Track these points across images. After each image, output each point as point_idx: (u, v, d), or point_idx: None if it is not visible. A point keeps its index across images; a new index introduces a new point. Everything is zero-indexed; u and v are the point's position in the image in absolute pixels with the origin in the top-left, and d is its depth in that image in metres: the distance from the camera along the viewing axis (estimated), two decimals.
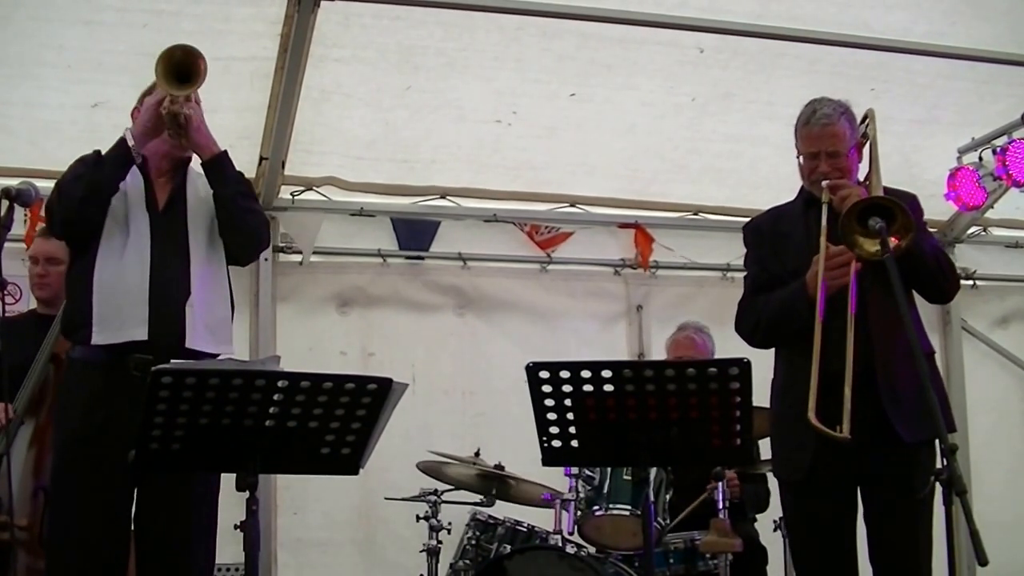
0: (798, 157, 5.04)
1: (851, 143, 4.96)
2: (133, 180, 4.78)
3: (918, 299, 4.95)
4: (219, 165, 4.81)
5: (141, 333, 4.56)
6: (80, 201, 4.64)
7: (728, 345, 5.28)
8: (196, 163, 4.94)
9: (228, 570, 6.59)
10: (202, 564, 4.73)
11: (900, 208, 4.40)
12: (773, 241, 5.16)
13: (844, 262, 4.67)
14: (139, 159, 4.73)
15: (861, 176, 5.04)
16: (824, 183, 4.87)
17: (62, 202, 4.70)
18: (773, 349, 5.14)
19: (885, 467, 4.73)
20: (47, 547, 4.86)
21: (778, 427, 5.07)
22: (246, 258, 5.13)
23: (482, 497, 6.54)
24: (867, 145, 5.10)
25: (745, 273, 5.34)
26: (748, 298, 5.19)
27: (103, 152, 4.74)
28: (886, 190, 4.88)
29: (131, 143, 4.68)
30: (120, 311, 4.58)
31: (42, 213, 6.85)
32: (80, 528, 4.52)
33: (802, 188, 5.14)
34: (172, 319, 4.60)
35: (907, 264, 4.45)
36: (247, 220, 4.89)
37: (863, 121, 5.13)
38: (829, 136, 4.92)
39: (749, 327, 5.14)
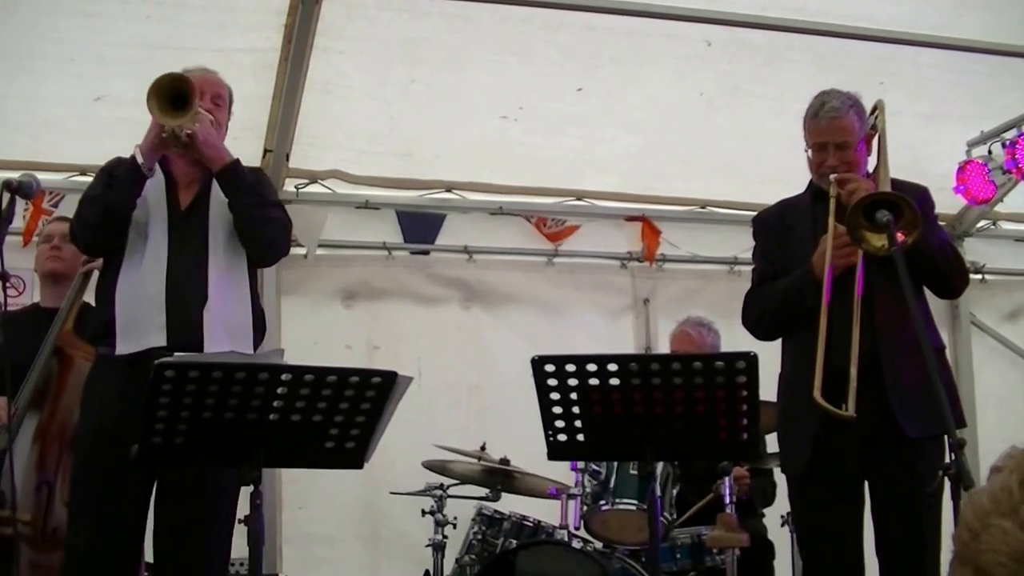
0: (806, 150, 5.02)
1: (860, 136, 4.94)
2: (154, 182, 4.79)
3: (928, 293, 4.92)
4: (230, 176, 4.79)
5: (160, 339, 4.57)
6: (97, 226, 4.72)
7: (735, 339, 5.27)
8: None
9: (233, 564, 6.54)
10: (218, 558, 4.74)
11: (907, 203, 4.38)
12: (780, 234, 5.15)
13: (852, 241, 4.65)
14: (152, 173, 4.72)
15: (871, 168, 5.01)
16: (832, 177, 4.86)
17: (81, 226, 4.80)
18: (780, 344, 5.13)
19: (890, 462, 4.72)
20: (67, 539, 4.85)
21: (783, 421, 5.05)
22: (266, 264, 5.18)
23: (488, 491, 6.52)
24: (876, 137, 5.08)
25: (752, 266, 5.33)
26: (754, 289, 5.18)
27: (117, 168, 4.78)
28: (895, 183, 4.87)
29: (140, 160, 4.68)
30: (139, 320, 4.61)
31: (44, 206, 6.90)
32: (96, 520, 4.56)
33: (811, 182, 5.12)
34: (189, 325, 4.60)
35: (914, 259, 4.43)
36: (265, 229, 4.88)
37: (872, 113, 5.11)
38: (837, 129, 4.90)
39: (754, 317, 5.14)
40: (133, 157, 4.70)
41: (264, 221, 4.86)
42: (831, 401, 4.54)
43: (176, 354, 4.17)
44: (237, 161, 4.84)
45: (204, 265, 4.72)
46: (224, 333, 4.66)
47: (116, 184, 4.72)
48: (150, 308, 4.60)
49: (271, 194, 5.09)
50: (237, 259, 4.82)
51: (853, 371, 4.55)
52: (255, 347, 4.82)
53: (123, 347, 4.60)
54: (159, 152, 4.74)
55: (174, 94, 4.57)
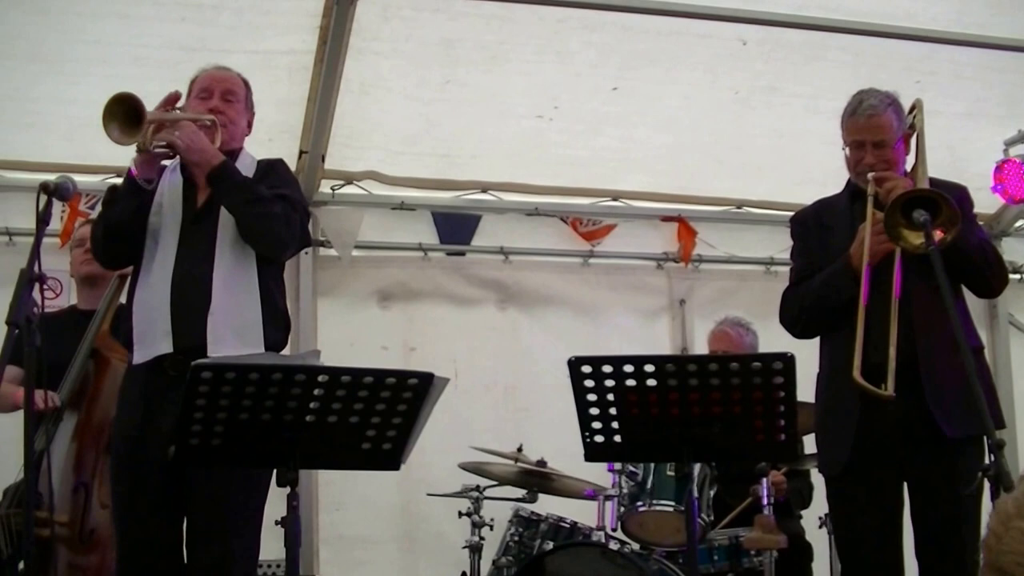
0: (844, 148, 4.99)
1: (898, 134, 4.91)
2: (172, 185, 4.83)
3: (967, 293, 4.89)
4: (217, 179, 4.74)
5: (167, 346, 4.60)
6: (103, 239, 4.83)
7: (772, 340, 5.24)
8: (245, 147, 5.01)
9: (270, 566, 6.58)
10: (246, 558, 4.73)
11: (945, 201, 4.35)
12: (818, 233, 5.12)
13: None
14: (151, 186, 4.75)
15: (908, 167, 4.98)
16: (870, 175, 4.82)
17: (94, 241, 4.93)
18: (817, 345, 5.10)
19: (929, 463, 4.68)
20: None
21: (822, 421, 5.02)
22: (275, 259, 4.99)
23: (525, 493, 6.50)
24: (914, 136, 5.05)
25: (790, 266, 5.30)
26: (792, 289, 5.15)
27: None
28: (933, 181, 4.83)
29: (135, 173, 4.72)
30: (149, 329, 4.64)
31: (80, 208, 6.94)
32: (131, 522, 4.63)
33: (849, 180, 5.09)
34: (194, 329, 4.60)
35: (952, 258, 4.40)
36: (263, 226, 4.77)
37: (911, 111, 5.07)
38: (875, 127, 4.87)
39: (792, 315, 5.11)
40: (129, 171, 4.75)
41: (259, 218, 4.75)
42: (869, 403, 4.52)
43: (211, 355, 4.19)
44: (224, 162, 4.76)
45: (210, 270, 4.70)
46: (230, 334, 4.64)
47: (117, 198, 4.78)
48: (157, 316, 4.63)
49: (277, 186, 4.93)
50: (245, 257, 4.78)
51: (892, 351, 4.53)
52: (274, 346, 4.80)
53: (138, 356, 4.65)
54: (150, 165, 4.75)
55: (129, 114, 4.55)
